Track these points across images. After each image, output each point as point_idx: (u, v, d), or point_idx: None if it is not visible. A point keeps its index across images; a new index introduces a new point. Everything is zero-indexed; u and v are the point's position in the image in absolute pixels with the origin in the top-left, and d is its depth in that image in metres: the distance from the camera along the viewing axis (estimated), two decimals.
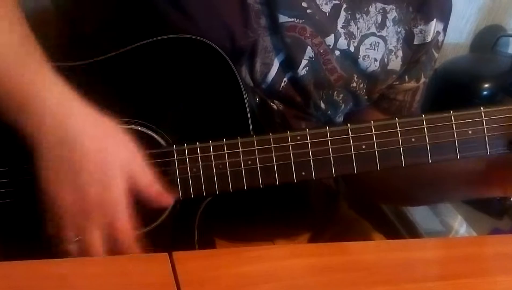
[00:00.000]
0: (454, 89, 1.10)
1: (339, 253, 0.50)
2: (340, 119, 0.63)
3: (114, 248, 0.46)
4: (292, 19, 0.55)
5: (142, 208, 0.48)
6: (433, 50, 0.64)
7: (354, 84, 0.59)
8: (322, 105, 0.59)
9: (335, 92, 0.60)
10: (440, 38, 0.64)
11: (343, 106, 0.61)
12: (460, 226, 0.93)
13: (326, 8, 0.56)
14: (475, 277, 0.49)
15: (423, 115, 0.50)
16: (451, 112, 0.50)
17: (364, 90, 0.61)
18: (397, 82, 0.64)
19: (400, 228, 0.82)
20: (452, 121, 0.50)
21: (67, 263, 0.42)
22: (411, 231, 0.83)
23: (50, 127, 0.44)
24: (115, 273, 0.42)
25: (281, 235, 0.64)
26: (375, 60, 0.59)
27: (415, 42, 0.61)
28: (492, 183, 0.54)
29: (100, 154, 0.45)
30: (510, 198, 0.92)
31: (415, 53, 0.62)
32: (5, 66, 0.45)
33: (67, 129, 0.44)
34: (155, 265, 0.43)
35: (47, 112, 0.44)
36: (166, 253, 0.43)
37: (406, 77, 0.64)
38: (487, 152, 0.51)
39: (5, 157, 0.50)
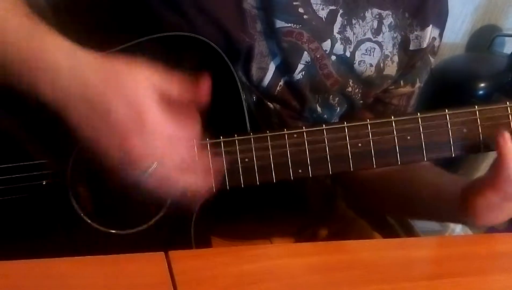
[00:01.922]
0: (450, 89, 1.10)
1: (336, 251, 0.51)
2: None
3: (184, 157, 0.45)
4: (289, 25, 0.55)
5: (139, 205, 0.48)
6: (428, 55, 0.65)
7: (350, 89, 0.60)
8: (318, 109, 0.60)
9: (331, 96, 0.60)
10: (436, 43, 0.64)
11: (338, 109, 0.61)
12: (456, 225, 0.93)
13: (323, 14, 0.56)
14: (471, 276, 0.49)
15: (418, 114, 0.51)
16: (446, 110, 0.51)
17: (360, 95, 0.61)
18: (392, 87, 0.64)
19: (397, 227, 0.82)
20: (447, 120, 0.50)
21: (64, 263, 0.42)
22: (408, 230, 0.83)
23: (66, 83, 0.44)
24: (112, 272, 0.42)
25: (278, 234, 0.64)
26: (371, 65, 0.59)
27: (411, 48, 0.61)
28: (470, 211, 0.53)
29: (120, 90, 0.44)
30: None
31: (411, 58, 0.62)
32: (15, 34, 0.45)
33: (82, 79, 0.44)
34: (151, 264, 0.42)
35: (60, 69, 0.44)
36: (162, 252, 0.43)
37: (402, 81, 0.64)
38: (481, 151, 0.51)
39: (12, 153, 0.50)
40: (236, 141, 0.50)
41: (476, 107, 0.51)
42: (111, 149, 0.44)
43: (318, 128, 0.50)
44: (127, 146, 0.43)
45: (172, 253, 0.43)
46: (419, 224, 0.87)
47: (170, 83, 0.45)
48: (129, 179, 0.45)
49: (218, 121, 0.52)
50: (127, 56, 0.46)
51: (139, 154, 0.44)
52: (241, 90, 0.52)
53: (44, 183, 0.52)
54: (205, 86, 0.46)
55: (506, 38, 1.21)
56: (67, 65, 0.44)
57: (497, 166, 0.49)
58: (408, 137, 0.50)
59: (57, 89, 0.44)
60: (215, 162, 0.48)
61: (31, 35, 0.45)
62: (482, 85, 1.08)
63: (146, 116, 0.43)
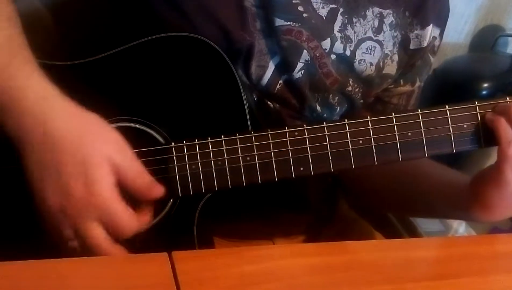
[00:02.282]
0: (453, 89, 1.10)
1: (338, 252, 0.50)
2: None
3: (117, 238, 0.45)
4: (289, 23, 0.55)
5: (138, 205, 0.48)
6: (429, 54, 0.64)
7: (350, 88, 0.60)
8: (318, 108, 0.60)
9: (331, 95, 0.60)
10: (436, 43, 0.64)
11: (338, 108, 0.61)
12: (459, 225, 0.93)
13: (323, 12, 0.56)
14: (473, 276, 0.49)
15: (419, 110, 0.51)
16: (446, 106, 0.51)
17: (360, 94, 0.61)
18: (392, 86, 0.64)
19: (399, 228, 0.82)
20: (447, 115, 0.51)
21: (66, 263, 0.42)
22: (411, 230, 0.83)
23: (30, 126, 0.44)
24: (114, 273, 0.42)
25: (280, 234, 0.64)
26: (371, 64, 0.59)
27: (411, 47, 0.61)
28: (474, 207, 0.53)
29: (81, 148, 0.44)
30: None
31: (411, 57, 0.62)
32: None
33: (46, 126, 0.43)
34: (154, 265, 0.43)
35: (26, 111, 0.44)
36: (166, 253, 0.43)
37: (401, 80, 0.64)
38: (482, 146, 0.51)
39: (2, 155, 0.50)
40: (238, 139, 0.50)
41: (476, 102, 0.51)
42: (50, 200, 0.44)
43: (319, 126, 0.50)
44: (66, 202, 0.43)
45: (176, 254, 0.43)
46: (422, 225, 0.87)
47: (130, 167, 0.45)
48: (56, 233, 0.45)
49: (219, 120, 0.52)
50: (102, 116, 0.45)
51: (74, 214, 0.44)
52: (241, 90, 0.52)
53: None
54: (157, 192, 0.46)
55: (509, 38, 1.20)
56: (34, 109, 0.44)
57: (498, 153, 0.49)
58: (409, 133, 0.50)
59: (19, 128, 0.44)
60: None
61: (5, 69, 0.44)
62: (486, 85, 1.08)
63: (95, 182, 0.43)
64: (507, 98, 0.51)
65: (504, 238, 0.60)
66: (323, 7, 0.56)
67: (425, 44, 0.62)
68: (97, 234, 0.45)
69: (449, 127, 0.51)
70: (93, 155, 0.44)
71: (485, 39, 1.20)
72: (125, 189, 0.46)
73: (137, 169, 0.47)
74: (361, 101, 0.62)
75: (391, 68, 0.61)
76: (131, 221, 0.46)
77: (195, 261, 0.44)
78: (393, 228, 0.80)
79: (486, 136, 0.51)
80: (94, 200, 0.44)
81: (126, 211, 0.45)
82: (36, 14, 0.47)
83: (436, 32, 0.63)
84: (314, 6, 0.56)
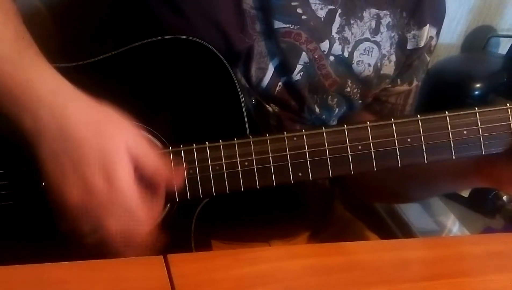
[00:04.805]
0: (446, 89, 1.11)
1: (335, 253, 0.51)
2: (334, 123, 0.63)
3: (132, 236, 0.44)
4: (287, 25, 0.55)
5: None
6: (425, 54, 0.65)
7: (348, 89, 0.60)
8: (317, 109, 0.60)
9: (329, 97, 0.60)
10: (433, 42, 0.65)
11: (337, 110, 0.61)
12: (453, 225, 0.94)
13: (322, 13, 0.56)
14: (468, 276, 0.49)
15: (419, 116, 0.51)
16: (446, 112, 0.51)
17: (358, 95, 0.61)
18: (390, 85, 0.64)
19: (394, 228, 0.82)
20: (447, 122, 0.50)
21: (61, 268, 0.41)
22: (405, 230, 0.83)
23: (46, 120, 0.43)
24: (110, 277, 0.42)
25: (277, 236, 0.64)
26: (369, 65, 0.59)
27: (408, 47, 0.62)
28: (484, 175, 0.54)
29: (99, 140, 0.43)
30: (502, 197, 0.92)
31: (408, 57, 0.62)
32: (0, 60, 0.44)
33: (62, 119, 0.43)
34: (150, 268, 0.42)
35: (42, 105, 0.43)
36: (161, 256, 0.43)
37: (399, 80, 0.64)
38: (482, 152, 0.51)
39: (4, 158, 0.50)
40: (236, 145, 0.50)
41: (476, 109, 0.51)
42: (70, 195, 0.43)
43: (318, 131, 0.50)
44: (87, 197, 0.42)
45: (171, 257, 0.43)
46: (416, 225, 0.87)
47: (146, 159, 0.44)
48: (73, 229, 0.44)
49: (217, 125, 0.52)
50: (117, 108, 0.45)
51: (95, 209, 0.43)
52: (240, 94, 0.52)
53: (42, 187, 0.52)
54: (179, 176, 0.46)
55: (501, 39, 1.21)
56: (49, 101, 0.43)
57: None
58: (409, 140, 0.50)
59: (35, 122, 0.43)
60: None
61: (16, 63, 0.44)
62: (478, 85, 1.08)
63: (116, 176, 0.42)
64: (507, 104, 0.51)
65: (498, 238, 0.61)
66: (321, 8, 0.56)
67: (422, 44, 0.62)
68: (115, 231, 0.44)
69: (449, 134, 0.50)
70: (111, 145, 0.43)
71: (477, 39, 1.21)
72: (143, 178, 0.45)
73: (155, 159, 0.45)
74: (360, 101, 0.62)
75: (389, 69, 0.61)
76: (147, 220, 0.45)
77: (191, 264, 0.44)
78: (387, 228, 0.80)
79: (487, 143, 0.50)
80: (114, 197, 0.43)
81: (144, 209, 0.44)
82: (36, 16, 0.47)
83: (433, 32, 0.63)
84: (313, 8, 0.56)
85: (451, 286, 0.47)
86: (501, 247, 0.56)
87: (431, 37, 0.63)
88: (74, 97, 0.44)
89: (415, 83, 0.66)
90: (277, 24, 0.55)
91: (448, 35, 1.17)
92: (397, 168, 0.51)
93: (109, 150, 0.43)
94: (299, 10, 0.55)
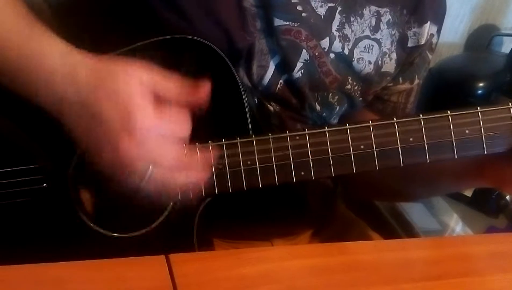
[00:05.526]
0: (448, 88, 1.10)
1: (337, 253, 0.51)
2: (335, 121, 0.63)
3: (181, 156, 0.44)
4: (288, 23, 0.55)
5: (141, 208, 0.47)
6: (427, 52, 0.65)
7: (349, 86, 0.60)
8: (317, 107, 0.60)
9: (330, 94, 0.60)
10: (434, 40, 0.64)
11: (338, 108, 0.61)
12: (456, 225, 0.93)
13: (321, 11, 0.56)
14: (471, 276, 0.49)
15: (421, 115, 0.51)
16: (449, 111, 0.50)
17: (359, 92, 0.61)
18: (391, 84, 0.64)
19: (397, 228, 0.82)
20: (449, 121, 0.50)
21: (63, 267, 0.41)
22: (408, 230, 0.83)
23: (61, 85, 0.43)
24: (111, 277, 0.42)
25: (279, 235, 0.64)
26: (369, 62, 0.59)
27: (409, 45, 0.61)
28: (486, 175, 0.54)
29: (110, 87, 0.42)
30: (506, 196, 0.92)
31: (409, 55, 0.62)
32: (10, 36, 0.44)
33: (77, 80, 0.43)
34: (151, 268, 0.42)
35: (56, 70, 0.43)
36: (163, 256, 0.43)
37: (400, 78, 0.64)
38: (484, 151, 0.51)
39: (6, 157, 0.50)
40: (239, 143, 0.50)
41: (479, 108, 0.50)
42: (104, 153, 0.43)
43: (320, 130, 0.50)
44: (119, 149, 0.42)
45: (173, 257, 0.43)
46: (419, 224, 0.87)
47: (166, 83, 0.44)
48: (127, 184, 0.44)
49: (220, 124, 0.51)
50: (125, 58, 0.45)
51: (132, 157, 0.42)
52: (243, 93, 0.52)
53: (44, 186, 0.52)
54: (204, 88, 0.45)
55: (504, 38, 1.21)
56: (61, 70, 0.43)
57: None
58: (411, 139, 0.50)
59: (52, 92, 0.43)
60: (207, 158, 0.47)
61: (26, 37, 0.45)
62: (481, 84, 1.08)
63: (135, 116, 0.42)
64: (510, 103, 0.50)
65: (501, 238, 0.60)
66: (321, 6, 0.56)
67: (423, 42, 0.62)
68: (165, 161, 0.43)
69: (451, 133, 0.50)
70: (125, 91, 0.42)
71: (480, 38, 1.20)
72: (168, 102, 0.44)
73: (171, 79, 0.44)
74: (360, 99, 0.62)
75: (390, 66, 0.61)
76: (183, 135, 0.44)
77: (193, 264, 0.44)
78: (390, 228, 0.80)
79: (489, 142, 0.50)
80: (141, 151, 0.42)
81: (170, 145, 0.43)
82: (38, 15, 0.47)
83: (434, 29, 0.63)
84: (313, 5, 0.56)
85: (454, 286, 0.47)
86: (504, 247, 0.56)
87: (432, 35, 0.63)
88: (84, 60, 0.44)
89: (416, 81, 0.66)
90: (277, 22, 0.55)
91: (451, 34, 1.17)
92: (400, 168, 0.51)
93: (121, 96, 0.42)
94: (299, 8, 0.55)
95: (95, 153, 0.44)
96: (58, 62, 0.44)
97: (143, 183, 0.43)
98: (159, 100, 0.44)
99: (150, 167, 0.43)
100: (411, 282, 0.47)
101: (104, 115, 0.42)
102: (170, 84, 0.44)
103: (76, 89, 0.43)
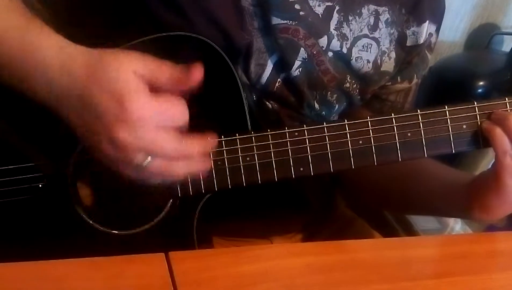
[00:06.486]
0: (448, 87, 1.10)
1: (336, 251, 0.51)
2: (334, 119, 0.63)
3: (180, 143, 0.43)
4: (285, 21, 0.55)
5: (141, 204, 0.47)
6: (425, 51, 0.65)
7: (348, 85, 0.60)
8: (316, 106, 0.60)
9: (329, 93, 0.60)
10: (433, 39, 0.64)
11: (336, 106, 0.61)
12: (456, 224, 0.94)
13: (319, 10, 0.56)
14: (471, 275, 0.49)
15: (418, 110, 0.51)
16: (446, 106, 0.51)
17: (357, 91, 0.61)
18: (390, 83, 0.64)
19: (396, 226, 0.82)
20: (446, 116, 0.51)
21: (63, 265, 0.41)
22: (408, 228, 0.83)
23: (58, 78, 0.43)
24: (111, 274, 0.42)
25: (278, 233, 0.64)
26: (368, 61, 0.59)
27: (408, 44, 0.61)
28: (474, 208, 0.53)
29: (102, 77, 0.42)
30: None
31: (408, 54, 0.62)
32: (7, 31, 0.44)
33: (72, 72, 0.42)
34: (151, 266, 0.42)
35: (52, 64, 0.43)
36: (163, 253, 0.43)
37: (399, 77, 0.64)
38: (480, 146, 0.51)
39: (5, 155, 0.50)
40: (238, 140, 0.50)
41: (476, 103, 0.51)
42: (102, 144, 0.43)
43: (319, 126, 0.50)
44: (115, 138, 0.42)
45: (173, 254, 0.43)
46: (418, 223, 0.87)
47: (158, 69, 0.43)
48: (127, 175, 0.44)
49: (219, 120, 0.51)
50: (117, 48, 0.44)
51: (129, 146, 0.42)
52: (241, 90, 0.52)
53: (42, 184, 0.52)
54: (197, 72, 0.44)
55: (505, 36, 1.21)
56: (58, 63, 0.43)
57: (495, 161, 0.50)
58: (409, 134, 0.50)
59: (49, 87, 0.43)
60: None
61: (23, 32, 0.44)
62: (481, 83, 1.08)
63: (128, 104, 0.41)
64: (506, 98, 0.51)
65: (500, 236, 0.60)
66: (319, 5, 0.56)
67: (421, 41, 0.62)
68: (166, 146, 0.43)
69: (449, 128, 0.51)
70: (114, 78, 0.42)
71: (480, 37, 1.21)
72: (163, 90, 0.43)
73: (164, 64, 0.44)
74: (359, 97, 0.62)
75: (389, 65, 0.61)
76: (179, 114, 0.43)
77: (192, 261, 0.44)
78: (390, 227, 0.80)
79: (485, 137, 0.51)
80: (138, 142, 0.42)
81: (167, 134, 0.43)
82: (29, 9, 0.47)
83: (432, 28, 0.63)
84: (311, 4, 0.56)
85: (454, 285, 0.47)
86: (504, 246, 0.56)
87: (431, 34, 0.63)
88: (78, 52, 0.44)
89: (415, 80, 0.66)
90: (275, 20, 0.55)
91: (451, 32, 1.17)
92: (396, 175, 0.51)
93: (114, 84, 0.42)
94: (297, 6, 0.55)
95: (94, 145, 0.43)
96: (55, 55, 0.43)
97: (141, 171, 0.43)
98: (154, 88, 0.43)
99: (149, 157, 0.43)
100: (411, 280, 0.47)
101: (100, 106, 0.42)
102: (164, 71, 0.44)
103: (72, 80, 0.43)
